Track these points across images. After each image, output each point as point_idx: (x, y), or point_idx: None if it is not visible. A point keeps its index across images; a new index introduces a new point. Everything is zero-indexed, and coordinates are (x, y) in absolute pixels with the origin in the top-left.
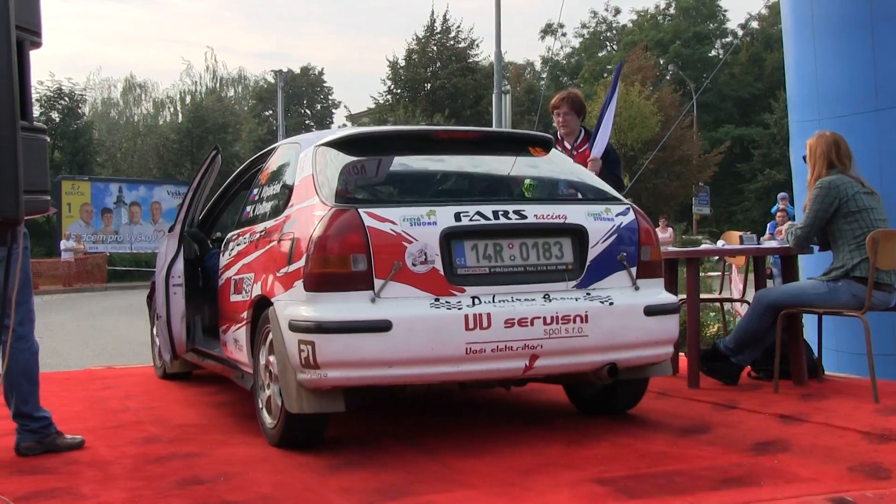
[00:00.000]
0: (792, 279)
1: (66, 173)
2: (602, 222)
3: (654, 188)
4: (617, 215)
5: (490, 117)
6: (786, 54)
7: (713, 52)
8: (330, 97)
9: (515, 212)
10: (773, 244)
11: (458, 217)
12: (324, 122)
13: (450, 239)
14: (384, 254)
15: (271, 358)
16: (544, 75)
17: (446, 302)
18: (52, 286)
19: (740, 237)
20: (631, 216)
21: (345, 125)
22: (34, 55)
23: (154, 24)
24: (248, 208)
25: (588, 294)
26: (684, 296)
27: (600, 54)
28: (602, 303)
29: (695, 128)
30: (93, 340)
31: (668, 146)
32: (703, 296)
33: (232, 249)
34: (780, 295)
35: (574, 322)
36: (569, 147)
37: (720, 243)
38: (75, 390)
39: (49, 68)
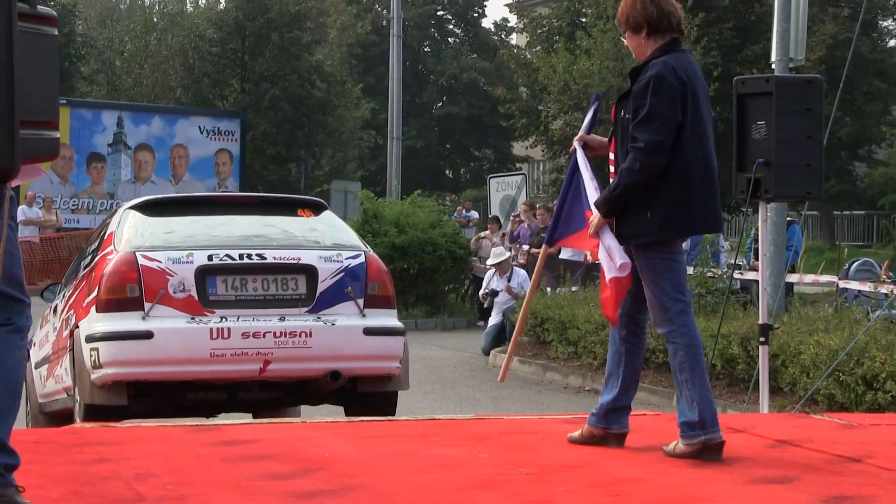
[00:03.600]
0: None
1: None
2: (332, 263)
3: None
4: (346, 258)
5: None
6: None
7: None
8: None
9: (258, 254)
10: None
11: (210, 258)
12: (467, 14)
13: (204, 274)
14: (152, 284)
15: None
16: None
17: (199, 320)
18: None
19: None
20: (360, 259)
21: (504, 19)
22: None
23: None
24: (83, 262)
25: (318, 317)
26: None
27: None
28: (325, 323)
29: None
30: None
31: None
32: None
33: (65, 296)
34: None
35: (300, 336)
36: None
37: None
38: (53, 462)
39: None
